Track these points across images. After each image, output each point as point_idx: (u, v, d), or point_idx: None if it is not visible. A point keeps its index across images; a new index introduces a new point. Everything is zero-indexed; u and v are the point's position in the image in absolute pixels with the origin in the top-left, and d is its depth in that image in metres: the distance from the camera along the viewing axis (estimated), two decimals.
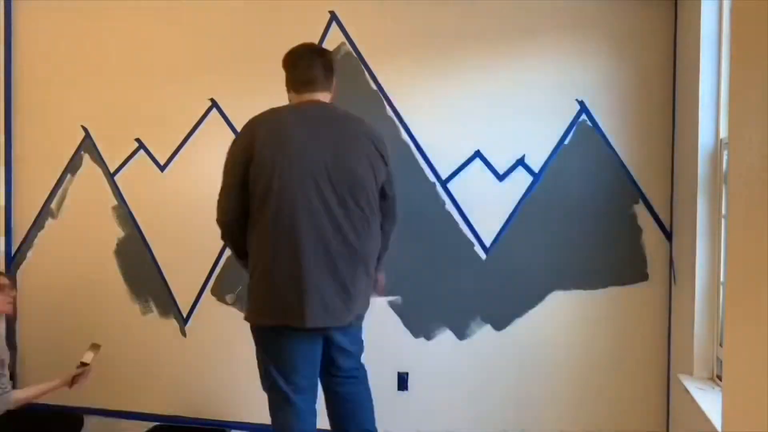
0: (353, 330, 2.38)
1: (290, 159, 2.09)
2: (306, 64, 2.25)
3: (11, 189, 3.51)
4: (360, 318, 2.38)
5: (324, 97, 2.26)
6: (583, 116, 2.87)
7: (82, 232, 3.43)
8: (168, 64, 3.30)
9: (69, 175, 3.45)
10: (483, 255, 2.97)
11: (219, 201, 2.23)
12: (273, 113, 2.22)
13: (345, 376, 2.40)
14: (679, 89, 2.72)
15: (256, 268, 2.17)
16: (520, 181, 2.93)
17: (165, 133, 3.31)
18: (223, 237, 2.30)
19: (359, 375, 2.45)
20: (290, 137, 2.11)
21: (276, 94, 3.12)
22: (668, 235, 2.81)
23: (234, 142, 2.22)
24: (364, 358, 2.50)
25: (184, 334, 3.32)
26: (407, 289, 3.04)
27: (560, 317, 2.90)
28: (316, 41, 3.08)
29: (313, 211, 2.08)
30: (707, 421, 2.00)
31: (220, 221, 2.25)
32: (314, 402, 2.31)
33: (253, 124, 2.20)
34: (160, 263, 3.34)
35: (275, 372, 2.24)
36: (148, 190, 3.35)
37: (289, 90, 2.30)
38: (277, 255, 2.10)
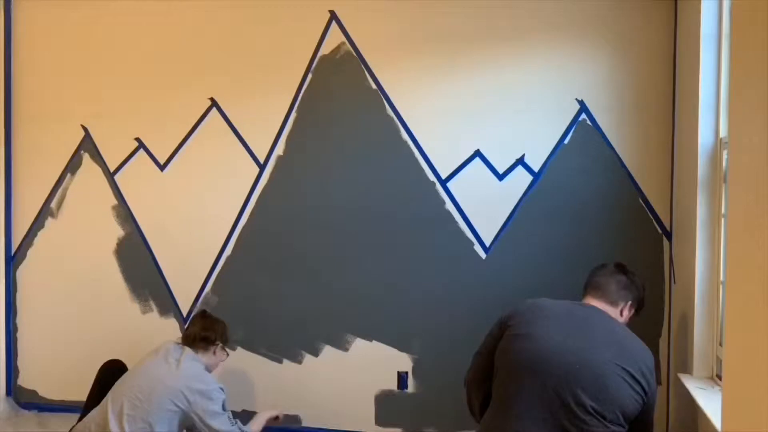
0: None
1: (539, 345, 1.93)
2: (602, 273, 2.17)
3: (11, 189, 3.51)
4: None
5: (605, 308, 2.08)
6: (583, 116, 2.88)
7: (82, 231, 3.43)
8: (168, 64, 3.29)
9: (69, 175, 3.45)
10: (483, 254, 2.97)
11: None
12: (543, 302, 2.10)
13: None
14: (679, 89, 2.72)
15: None
16: (520, 180, 2.93)
17: (165, 133, 3.30)
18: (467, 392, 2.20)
19: None
20: (546, 326, 1.98)
21: (276, 94, 3.15)
22: (668, 235, 2.82)
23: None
24: None
25: None
26: (407, 288, 3.04)
27: None
28: (315, 41, 3.09)
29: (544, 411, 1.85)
30: (707, 421, 2.00)
31: (466, 380, 2.20)
32: None
33: (523, 304, 2.11)
34: (160, 263, 3.34)
35: None
36: (148, 190, 3.35)
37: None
38: None
